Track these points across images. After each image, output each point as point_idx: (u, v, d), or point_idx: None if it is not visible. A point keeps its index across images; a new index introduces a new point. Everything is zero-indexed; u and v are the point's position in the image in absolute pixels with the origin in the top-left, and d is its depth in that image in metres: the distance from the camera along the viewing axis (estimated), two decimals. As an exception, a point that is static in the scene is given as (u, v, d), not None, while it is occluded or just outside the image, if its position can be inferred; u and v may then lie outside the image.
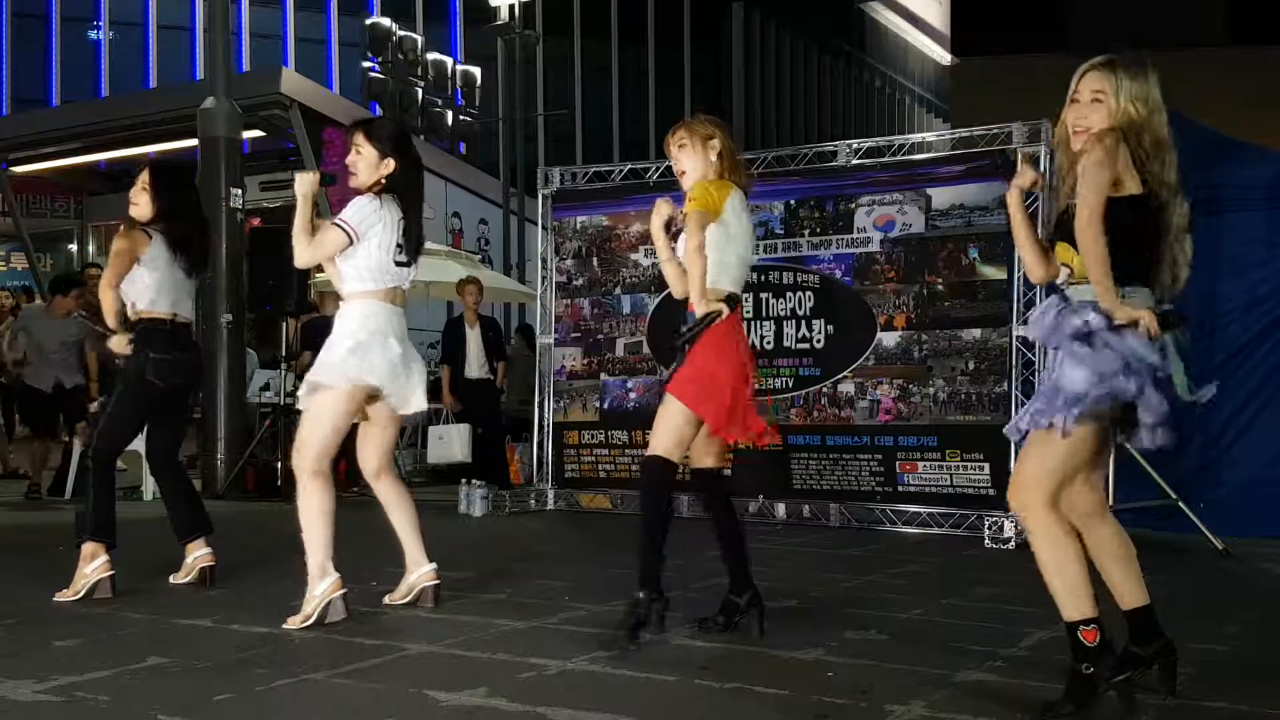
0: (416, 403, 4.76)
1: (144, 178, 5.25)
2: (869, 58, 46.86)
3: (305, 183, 4.60)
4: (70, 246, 23.65)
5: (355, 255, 4.54)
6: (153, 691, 3.45)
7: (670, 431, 4.24)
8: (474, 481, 8.72)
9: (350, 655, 3.89)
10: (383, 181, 4.61)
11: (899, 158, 7.91)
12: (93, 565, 4.97)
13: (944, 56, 53.43)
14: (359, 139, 4.62)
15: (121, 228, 5.26)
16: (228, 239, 9.82)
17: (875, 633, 4.38)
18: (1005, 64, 48.56)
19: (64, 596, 4.89)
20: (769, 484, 8.05)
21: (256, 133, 16.57)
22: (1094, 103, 3.34)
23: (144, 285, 5.17)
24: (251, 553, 6.43)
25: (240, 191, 9.98)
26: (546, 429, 8.91)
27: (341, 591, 4.44)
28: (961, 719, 3.23)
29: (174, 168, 5.64)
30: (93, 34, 31.43)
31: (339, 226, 4.51)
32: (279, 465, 9.31)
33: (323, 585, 4.40)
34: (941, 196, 7.60)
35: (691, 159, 4.39)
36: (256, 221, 13.57)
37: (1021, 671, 3.77)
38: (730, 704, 3.40)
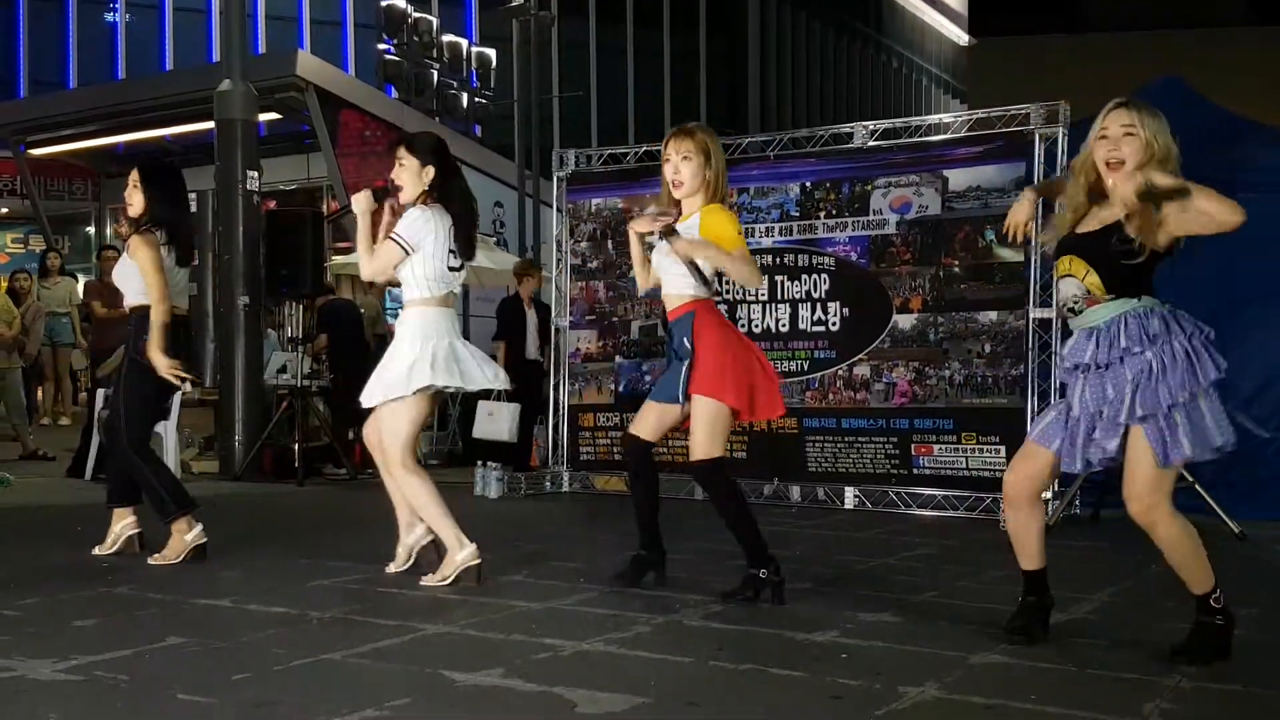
0: (480, 378, 5.03)
1: (134, 177, 5.55)
2: (886, 39, 46.59)
3: (362, 200, 4.99)
4: (88, 229, 23.75)
5: (413, 265, 4.90)
6: (171, 671, 3.48)
7: (718, 432, 4.59)
8: (490, 464, 8.75)
9: (367, 635, 3.92)
10: (427, 189, 4.95)
11: (915, 139, 7.87)
12: (192, 533, 5.37)
13: (961, 37, 53.09)
14: (401, 152, 4.98)
15: (130, 233, 5.50)
16: (244, 222, 9.83)
17: (890, 615, 4.38)
18: (1023, 45, 48.31)
19: (159, 560, 5.31)
20: (784, 467, 8.06)
21: (273, 115, 16.59)
22: (1126, 136, 3.64)
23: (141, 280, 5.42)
24: (268, 534, 6.48)
25: (257, 174, 9.99)
26: (562, 412, 8.93)
27: (477, 561, 4.85)
28: (975, 701, 3.24)
29: (161, 164, 5.98)
30: (109, 16, 31.47)
31: (394, 240, 4.89)
32: (296, 448, 9.35)
33: (462, 554, 4.84)
34: (958, 178, 7.57)
35: (692, 173, 4.67)
36: (272, 204, 13.60)
37: (1036, 654, 3.77)
38: (745, 685, 3.41)
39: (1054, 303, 4.02)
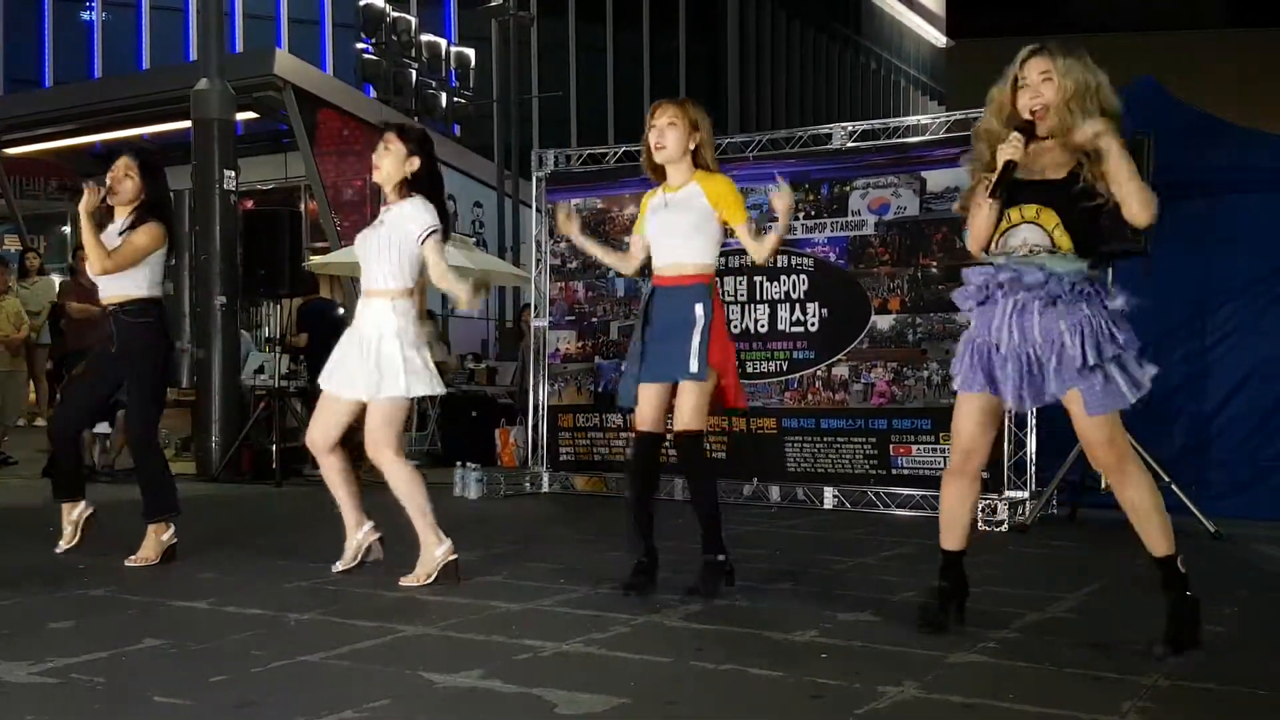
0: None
1: (128, 164, 5.52)
2: (864, 40, 46.75)
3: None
4: (64, 228, 23.60)
5: (401, 253, 4.90)
6: (148, 673, 3.46)
7: (707, 406, 4.63)
8: (469, 464, 8.74)
9: (346, 637, 3.90)
10: (408, 178, 4.97)
11: (894, 141, 7.90)
12: (168, 534, 5.42)
13: (939, 39, 53.31)
14: (390, 137, 5.01)
15: (147, 224, 5.45)
16: (221, 222, 9.79)
17: (869, 614, 4.39)
18: (1001, 46, 48.18)
19: (137, 561, 5.32)
20: (763, 467, 8.07)
21: (250, 114, 16.52)
22: (1045, 81, 3.73)
23: (151, 269, 5.48)
24: (246, 535, 6.45)
25: (234, 174, 9.95)
26: (541, 412, 8.92)
27: (454, 557, 4.88)
28: (954, 700, 3.25)
29: (153, 155, 5.93)
30: (86, 14, 31.32)
31: (435, 238, 4.88)
32: (273, 448, 9.31)
33: (439, 550, 4.86)
34: (936, 179, 7.60)
35: (676, 139, 4.73)
36: (250, 204, 13.54)
37: (1014, 653, 3.78)
38: (725, 685, 3.41)
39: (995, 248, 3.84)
